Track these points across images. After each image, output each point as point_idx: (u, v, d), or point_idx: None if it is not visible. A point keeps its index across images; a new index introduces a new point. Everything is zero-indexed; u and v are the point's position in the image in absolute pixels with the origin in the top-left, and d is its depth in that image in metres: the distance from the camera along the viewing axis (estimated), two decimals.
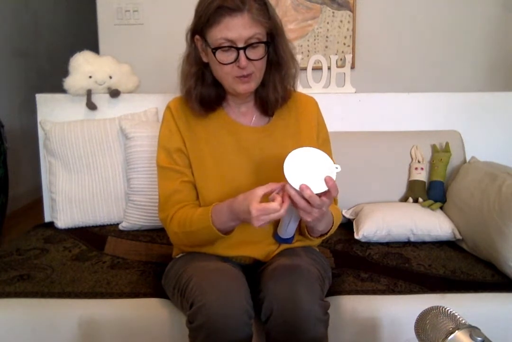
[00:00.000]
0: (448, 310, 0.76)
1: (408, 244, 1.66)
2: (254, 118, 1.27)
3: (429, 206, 1.72)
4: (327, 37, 2.66)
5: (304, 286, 1.07)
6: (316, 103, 1.33)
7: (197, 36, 1.16)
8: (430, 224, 1.64)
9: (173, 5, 2.58)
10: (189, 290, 1.08)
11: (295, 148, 1.02)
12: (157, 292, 1.30)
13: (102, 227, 1.84)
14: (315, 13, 2.64)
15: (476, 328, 0.72)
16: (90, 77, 1.90)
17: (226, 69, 1.13)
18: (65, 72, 1.92)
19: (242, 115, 1.27)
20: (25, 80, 3.59)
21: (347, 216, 1.80)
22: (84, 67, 1.90)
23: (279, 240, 1.21)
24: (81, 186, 1.82)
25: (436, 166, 1.82)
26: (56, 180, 1.83)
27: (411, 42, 2.68)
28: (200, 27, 1.13)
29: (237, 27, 1.08)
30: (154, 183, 1.67)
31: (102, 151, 1.83)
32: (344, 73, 2.01)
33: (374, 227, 1.64)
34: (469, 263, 1.49)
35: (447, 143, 1.86)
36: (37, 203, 2.66)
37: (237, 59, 1.11)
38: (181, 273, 1.17)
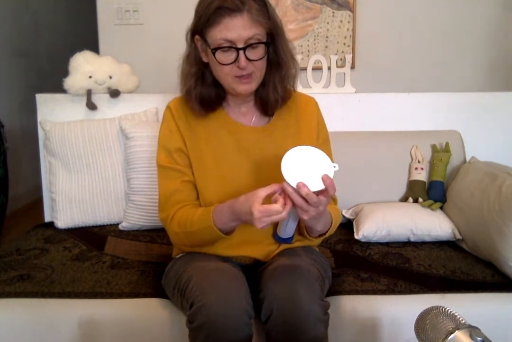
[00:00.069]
0: (448, 310, 0.76)
1: (408, 244, 1.66)
2: (254, 118, 1.27)
3: (429, 206, 1.72)
4: (327, 37, 2.66)
5: (304, 286, 1.07)
6: (316, 103, 1.33)
7: (197, 36, 1.16)
8: (430, 224, 1.64)
9: (173, 5, 2.58)
10: (189, 290, 1.08)
11: (293, 147, 1.02)
12: (157, 292, 1.30)
13: (102, 227, 1.84)
14: (315, 13, 2.64)
15: (476, 328, 0.72)
16: (90, 77, 1.90)
17: (225, 70, 1.13)
18: (65, 72, 1.92)
19: (242, 115, 1.27)
20: (25, 80, 3.59)
21: (347, 216, 1.80)
22: (84, 67, 1.90)
23: (278, 240, 1.21)
24: (81, 186, 1.82)
25: (436, 166, 1.82)
26: (56, 180, 1.83)
27: (411, 42, 2.68)
28: (200, 27, 1.13)
29: (237, 28, 1.08)
30: (154, 183, 1.67)
31: (102, 151, 1.83)
32: (344, 73, 2.01)
33: (374, 227, 1.64)
34: (469, 263, 1.49)
35: (447, 143, 1.86)
36: (37, 203, 2.66)
37: (236, 59, 1.11)
38: (181, 273, 1.17)
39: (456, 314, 0.75)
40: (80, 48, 1.96)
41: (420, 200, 1.78)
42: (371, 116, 2.00)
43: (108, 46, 2.64)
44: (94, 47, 2.23)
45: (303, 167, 1.00)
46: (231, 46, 1.10)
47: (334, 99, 1.96)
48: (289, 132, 1.26)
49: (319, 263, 1.23)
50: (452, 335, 0.71)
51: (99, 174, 1.83)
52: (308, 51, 2.67)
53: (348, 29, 2.65)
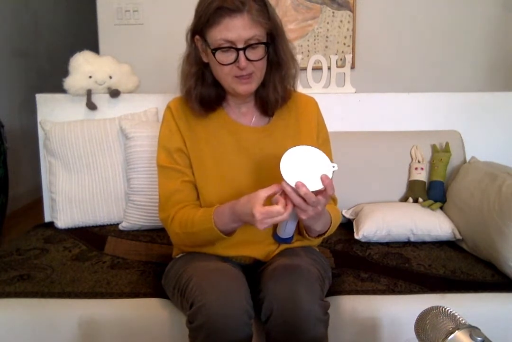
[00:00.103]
0: (448, 310, 0.76)
1: (408, 244, 1.66)
2: (254, 119, 1.27)
3: (429, 206, 1.72)
4: (327, 37, 2.66)
5: (304, 286, 1.07)
6: (316, 104, 1.33)
7: (197, 36, 1.16)
8: (430, 224, 1.64)
9: (173, 5, 2.58)
10: (189, 290, 1.08)
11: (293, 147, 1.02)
12: (157, 292, 1.30)
13: (102, 227, 1.84)
14: (315, 13, 2.64)
15: (476, 328, 0.72)
16: (90, 77, 1.90)
17: (225, 70, 1.13)
18: (65, 72, 1.92)
19: (242, 115, 1.27)
20: (25, 80, 3.59)
21: (347, 216, 1.80)
22: (84, 67, 1.90)
23: (278, 240, 1.21)
24: (81, 186, 1.82)
25: (436, 166, 1.82)
26: (56, 180, 1.83)
27: (411, 42, 2.68)
28: (200, 28, 1.13)
29: (237, 28, 1.08)
30: (154, 183, 1.67)
31: (102, 151, 1.83)
32: (344, 73, 2.01)
33: (374, 227, 1.64)
34: (469, 263, 1.49)
35: (447, 143, 1.86)
36: (37, 203, 2.66)
37: (236, 59, 1.11)
38: (181, 273, 1.17)
39: (456, 314, 0.75)
40: (80, 48, 1.96)
41: (420, 200, 1.78)
42: (371, 116, 2.00)
43: (108, 46, 2.64)
44: (94, 47, 2.23)
45: (302, 167, 1.00)
46: (231, 47, 1.10)
47: (334, 99, 1.96)
48: (289, 133, 1.26)
49: (319, 263, 1.23)
50: (452, 335, 0.71)
51: (99, 174, 1.83)
52: (308, 51, 2.67)
53: (348, 29, 2.65)
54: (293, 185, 0.98)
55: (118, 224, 1.83)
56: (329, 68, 2.00)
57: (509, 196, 1.40)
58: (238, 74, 1.13)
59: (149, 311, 1.26)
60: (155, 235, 1.75)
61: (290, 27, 2.63)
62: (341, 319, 1.26)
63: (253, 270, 1.24)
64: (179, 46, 1.22)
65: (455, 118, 1.99)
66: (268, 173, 1.18)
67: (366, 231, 1.64)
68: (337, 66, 2.00)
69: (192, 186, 1.23)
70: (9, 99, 3.40)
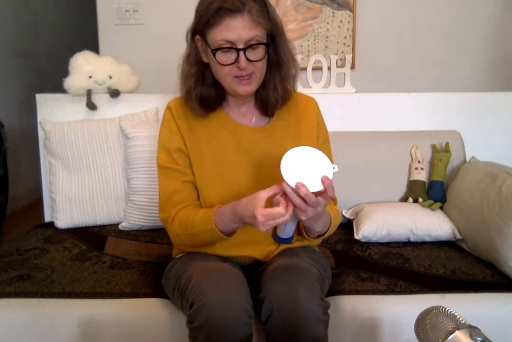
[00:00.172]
0: (448, 310, 0.76)
1: (408, 244, 1.66)
2: (254, 119, 1.27)
3: (429, 206, 1.72)
4: (327, 37, 2.67)
5: (304, 286, 1.07)
6: (316, 104, 1.33)
7: (197, 36, 1.16)
8: (430, 224, 1.64)
9: (173, 5, 2.58)
10: (189, 290, 1.08)
11: (294, 147, 1.02)
12: (157, 292, 1.30)
13: (102, 227, 1.84)
14: (315, 13, 2.64)
15: (476, 328, 0.72)
16: (90, 77, 1.90)
17: (226, 70, 1.13)
18: (65, 72, 1.92)
19: (242, 115, 1.27)
20: (25, 80, 3.59)
21: (347, 216, 1.80)
22: (84, 67, 1.90)
23: (278, 240, 1.21)
24: (81, 186, 1.82)
25: (436, 166, 1.82)
26: (56, 180, 1.83)
27: (411, 42, 2.68)
28: (200, 28, 1.13)
29: (237, 29, 1.08)
30: (154, 183, 1.67)
31: (102, 151, 1.83)
32: (344, 73, 2.01)
33: (374, 227, 1.64)
34: (469, 263, 1.49)
35: (447, 143, 1.86)
36: (37, 203, 2.66)
37: (237, 60, 1.11)
38: (181, 273, 1.17)
39: (456, 314, 0.75)
40: (80, 48, 1.96)
41: (420, 200, 1.78)
42: (371, 116, 2.00)
43: (108, 46, 2.64)
44: (94, 47, 2.23)
45: (303, 167, 1.00)
46: (231, 47, 1.10)
47: (334, 99, 1.96)
48: (289, 133, 1.26)
49: (319, 263, 1.23)
50: (452, 335, 0.71)
51: (99, 174, 1.83)
52: (308, 51, 2.67)
53: (348, 29, 2.65)
54: (293, 185, 0.98)
55: (118, 224, 1.83)
56: (329, 68, 2.00)
57: (509, 196, 1.40)
58: (238, 74, 1.13)
59: (149, 311, 1.26)
60: (155, 235, 1.75)
61: (290, 27, 2.63)
62: (341, 319, 1.26)
63: (253, 270, 1.24)
64: (179, 46, 1.22)
65: (455, 118, 1.99)
66: (268, 173, 1.18)
67: (366, 231, 1.64)
68: (337, 66, 2.00)
69: (192, 186, 1.23)
70: (9, 99, 3.40)
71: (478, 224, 1.52)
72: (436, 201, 1.75)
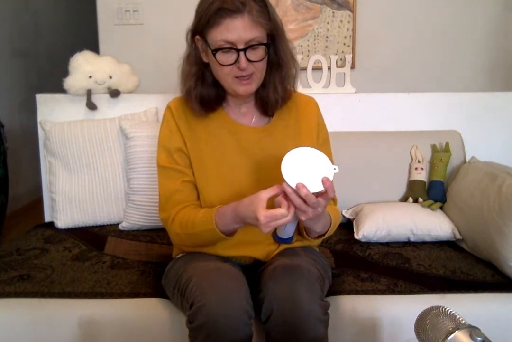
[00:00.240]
0: (448, 310, 0.76)
1: (408, 244, 1.66)
2: (254, 119, 1.27)
3: (429, 206, 1.72)
4: (327, 37, 2.67)
5: (304, 286, 1.07)
6: (316, 104, 1.33)
7: (197, 37, 1.16)
8: (430, 224, 1.64)
9: (173, 5, 2.59)
10: (189, 290, 1.08)
11: (295, 148, 1.02)
12: (157, 292, 1.30)
13: (102, 227, 1.84)
14: (315, 13, 2.64)
15: (476, 328, 0.72)
16: (90, 77, 1.90)
17: (226, 70, 1.13)
18: (65, 72, 1.92)
19: (242, 115, 1.27)
20: (25, 80, 3.59)
21: (347, 216, 1.80)
22: (84, 67, 1.90)
23: (278, 240, 1.21)
24: (81, 186, 1.82)
25: (436, 166, 1.82)
26: (56, 180, 1.83)
27: (411, 42, 2.68)
28: (200, 28, 1.13)
29: (237, 29, 1.07)
30: (154, 183, 1.67)
31: (102, 151, 1.83)
32: (344, 73, 2.01)
33: (374, 227, 1.64)
34: (469, 263, 1.49)
35: (447, 143, 1.86)
36: (37, 203, 2.66)
37: (237, 60, 1.11)
38: (181, 273, 1.17)
39: (456, 314, 0.75)
40: (80, 48, 1.96)
41: (420, 200, 1.78)
42: (371, 116, 2.00)
43: (108, 46, 2.65)
44: (94, 47, 2.23)
45: (303, 168, 1.00)
46: (232, 47, 1.10)
47: (334, 99, 1.96)
48: (289, 133, 1.26)
49: (319, 263, 1.23)
50: (452, 335, 0.72)
51: (99, 174, 1.83)
52: (308, 51, 2.67)
53: (348, 29, 2.65)
54: (293, 186, 0.98)
55: (118, 224, 1.83)
56: (329, 68, 2.00)
57: (509, 196, 1.40)
58: (239, 74, 1.13)
59: (149, 311, 1.26)
60: (155, 235, 1.75)
61: (290, 27, 2.63)
62: (341, 319, 1.26)
63: (253, 270, 1.24)
64: (179, 46, 1.22)
65: (455, 118, 1.99)
66: (268, 173, 1.18)
67: (366, 231, 1.64)
68: (337, 66, 2.00)
69: (192, 186, 1.23)
70: (9, 99, 3.40)
71: (478, 224, 1.52)
72: (436, 201, 1.75)
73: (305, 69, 1.97)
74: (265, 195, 1.01)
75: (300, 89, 1.61)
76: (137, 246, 1.65)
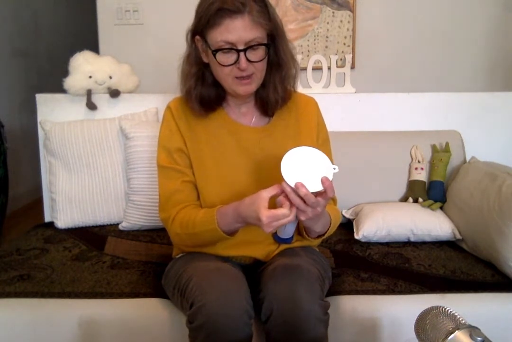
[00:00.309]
0: (448, 310, 0.76)
1: (408, 244, 1.66)
2: (254, 119, 1.27)
3: (429, 206, 1.72)
4: (327, 37, 2.67)
5: (304, 286, 1.07)
6: (316, 104, 1.33)
7: (197, 37, 1.15)
8: (430, 224, 1.64)
9: (173, 5, 2.59)
10: (189, 290, 1.08)
11: (295, 147, 1.02)
12: (157, 292, 1.30)
13: (102, 227, 1.84)
14: (315, 13, 2.64)
15: (476, 328, 0.72)
16: (90, 77, 1.90)
17: (226, 71, 1.13)
18: (65, 72, 1.92)
19: (242, 115, 1.27)
20: (25, 80, 3.59)
21: (347, 216, 1.80)
22: (84, 67, 1.90)
23: (278, 240, 1.21)
24: (81, 186, 1.82)
25: (436, 166, 1.82)
26: (56, 180, 1.83)
27: (411, 42, 2.68)
28: (200, 28, 1.13)
29: (237, 30, 1.07)
30: (154, 183, 1.67)
31: (102, 151, 1.83)
32: (344, 73, 2.01)
33: (374, 227, 1.64)
34: (469, 263, 1.49)
35: (447, 143, 1.86)
36: (37, 203, 2.66)
37: (237, 61, 1.11)
38: (181, 273, 1.17)
39: (456, 314, 0.75)
40: (80, 48, 1.96)
41: (420, 200, 1.78)
42: (371, 116, 2.00)
43: (108, 46, 2.65)
44: (94, 47, 2.24)
45: (303, 168, 1.00)
46: (232, 48, 1.10)
47: (334, 99, 1.96)
48: (289, 133, 1.26)
49: (319, 263, 1.23)
50: (452, 335, 0.71)
51: (99, 174, 1.83)
52: (308, 51, 2.67)
53: (348, 29, 2.65)
54: (293, 185, 0.98)
55: (118, 224, 1.83)
56: (329, 68, 2.00)
57: (509, 196, 1.40)
58: (239, 75, 1.13)
59: (149, 311, 1.26)
60: (155, 235, 1.75)
61: (290, 27, 2.63)
62: (341, 319, 1.26)
63: (253, 270, 1.24)
64: (179, 46, 1.22)
65: (455, 118, 1.99)
66: (268, 173, 1.18)
67: (366, 231, 1.64)
68: (337, 66, 2.00)
69: (192, 186, 1.23)
70: (9, 99, 3.40)
71: (478, 224, 1.52)
72: (436, 201, 1.75)
73: (305, 69, 1.97)
74: (266, 194, 1.01)
75: (300, 89, 1.61)
76: (137, 246, 1.65)
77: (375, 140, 1.90)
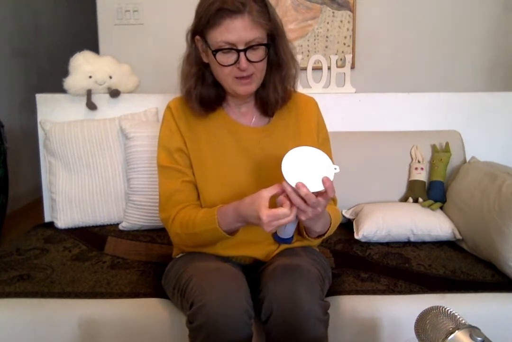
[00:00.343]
0: (448, 310, 0.76)
1: (408, 244, 1.66)
2: (254, 119, 1.27)
3: (429, 206, 1.72)
4: (327, 37, 2.67)
5: (304, 286, 1.07)
6: (316, 104, 1.33)
7: (197, 37, 1.15)
8: (430, 224, 1.64)
9: (173, 5, 2.59)
10: (189, 290, 1.08)
11: (295, 147, 1.02)
12: (157, 292, 1.30)
13: (102, 227, 1.84)
14: (315, 13, 2.64)
15: (476, 328, 0.72)
16: (90, 77, 1.90)
17: (226, 71, 1.13)
18: (65, 72, 1.92)
19: (242, 115, 1.27)
20: (25, 80, 3.59)
21: (347, 216, 1.80)
22: (84, 67, 1.90)
23: (278, 240, 1.21)
24: (81, 186, 1.82)
25: (436, 166, 1.82)
26: (56, 180, 1.83)
27: (411, 42, 2.68)
28: (200, 28, 1.12)
29: (238, 30, 1.07)
30: (154, 183, 1.67)
31: (102, 151, 1.83)
32: (344, 73, 2.01)
33: (374, 227, 1.64)
34: (469, 263, 1.49)
35: (447, 143, 1.86)
36: (37, 203, 2.66)
37: (237, 61, 1.11)
38: (181, 273, 1.17)
39: (456, 314, 0.75)
40: (80, 48, 1.96)
41: (420, 200, 1.78)
42: (371, 116, 2.00)
43: (108, 46, 2.65)
44: (94, 47, 2.23)
45: (304, 167, 1.00)
46: (232, 48, 1.10)
47: (334, 99, 1.96)
48: (289, 133, 1.26)
49: (319, 263, 1.23)
50: (452, 335, 0.71)
51: (99, 174, 1.83)
52: (308, 51, 2.67)
53: (348, 29, 2.65)
54: (293, 185, 0.98)
55: (118, 224, 1.83)
56: (329, 68, 2.00)
57: (509, 196, 1.40)
58: (239, 75, 1.13)
59: (149, 311, 1.26)
60: (155, 235, 1.75)
61: (290, 27, 2.63)
62: (341, 319, 1.26)
63: (253, 270, 1.24)
64: (179, 46, 1.22)
65: (455, 118, 1.99)
66: (268, 173, 1.18)
67: (366, 231, 1.64)
68: (337, 66, 2.00)
69: (192, 186, 1.23)
70: (9, 99, 3.40)
71: (478, 224, 1.52)
72: (436, 201, 1.75)
73: (305, 69, 1.97)
74: (266, 193, 1.01)
75: (300, 89, 1.61)
76: (137, 246, 1.65)
77: (375, 140, 1.90)
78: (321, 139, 1.30)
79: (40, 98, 1.97)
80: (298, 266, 1.14)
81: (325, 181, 0.99)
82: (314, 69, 1.99)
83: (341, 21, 2.64)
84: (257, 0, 1.10)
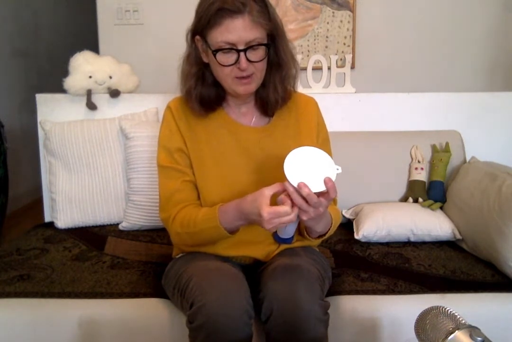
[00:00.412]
0: (448, 310, 0.76)
1: (408, 244, 1.66)
2: (254, 119, 1.27)
3: (429, 206, 1.72)
4: (327, 37, 2.67)
5: (304, 286, 1.07)
6: (316, 104, 1.33)
7: (197, 37, 1.15)
8: (430, 224, 1.64)
9: (173, 5, 2.59)
10: (189, 290, 1.08)
11: (297, 147, 1.02)
12: (157, 292, 1.30)
13: (102, 227, 1.84)
14: (315, 13, 2.64)
15: (476, 328, 0.72)
16: (90, 77, 1.90)
17: (226, 71, 1.13)
18: (65, 72, 1.92)
19: (242, 115, 1.27)
20: (25, 80, 3.59)
21: (347, 216, 1.80)
22: (84, 67, 1.90)
23: (278, 240, 1.21)
24: (81, 186, 1.82)
25: (436, 166, 1.82)
26: (56, 180, 1.83)
27: (411, 42, 2.68)
28: (200, 28, 1.13)
29: (238, 30, 1.07)
30: (154, 183, 1.67)
31: (102, 151, 1.83)
32: (344, 73, 2.01)
33: (374, 227, 1.64)
34: (469, 263, 1.49)
35: (447, 143, 1.86)
36: (37, 203, 2.66)
37: (237, 61, 1.11)
38: (181, 273, 1.17)
39: (456, 314, 0.75)
40: (80, 48, 1.96)
41: (420, 200, 1.78)
42: (371, 116, 2.00)
43: (108, 46, 2.65)
44: (94, 47, 2.24)
45: (306, 167, 1.00)
46: (232, 48, 1.10)
47: (334, 99, 1.96)
48: (289, 133, 1.26)
49: (319, 263, 1.23)
50: (452, 335, 0.71)
51: (99, 174, 1.83)
52: (308, 51, 2.67)
53: (348, 29, 2.65)
54: (295, 185, 0.98)
55: (118, 224, 1.83)
56: (329, 68, 2.00)
57: (509, 196, 1.40)
58: (239, 75, 1.13)
59: (149, 311, 1.26)
60: (155, 235, 1.75)
61: (290, 27, 2.63)
62: (341, 319, 1.26)
63: (253, 270, 1.24)
64: (179, 46, 1.22)
65: (455, 118, 1.99)
66: (268, 172, 1.18)
67: (366, 231, 1.64)
68: (337, 66, 2.00)
69: (192, 185, 1.23)
70: (9, 99, 3.40)
71: (478, 224, 1.52)
72: (436, 201, 1.75)
73: (305, 69, 1.97)
74: (268, 191, 1.01)
75: (300, 89, 1.61)
76: (137, 246, 1.65)
77: (375, 140, 1.90)
78: (321, 140, 1.30)
79: (40, 98, 1.97)
80: (298, 266, 1.14)
81: (327, 181, 0.99)
82: (314, 69, 1.99)
83: (341, 21, 2.64)
84: (257, 0, 1.10)
